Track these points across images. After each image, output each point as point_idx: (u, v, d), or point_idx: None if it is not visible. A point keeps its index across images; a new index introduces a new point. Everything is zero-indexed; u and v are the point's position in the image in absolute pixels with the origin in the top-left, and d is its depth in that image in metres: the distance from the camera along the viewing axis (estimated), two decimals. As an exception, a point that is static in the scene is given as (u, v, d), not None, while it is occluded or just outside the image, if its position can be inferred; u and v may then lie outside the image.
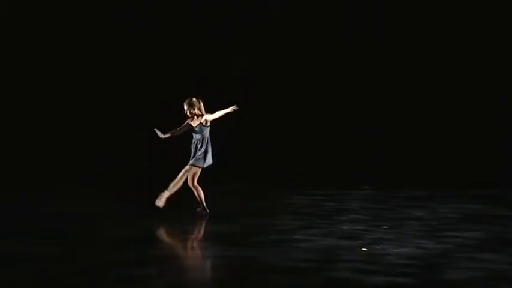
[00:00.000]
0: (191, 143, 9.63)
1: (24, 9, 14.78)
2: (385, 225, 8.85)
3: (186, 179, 9.58)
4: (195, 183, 9.65)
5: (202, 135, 9.55)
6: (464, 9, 15.08)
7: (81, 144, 14.89)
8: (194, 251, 7.65)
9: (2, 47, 14.76)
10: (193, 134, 9.62)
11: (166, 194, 9.52)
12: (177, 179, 9.51)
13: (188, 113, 9.56)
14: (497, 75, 15.27)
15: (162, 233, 8.65)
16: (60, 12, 14.95)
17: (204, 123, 9.55)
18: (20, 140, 14.62)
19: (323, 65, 15.49)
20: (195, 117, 9.58)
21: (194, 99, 9.59)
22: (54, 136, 14.86)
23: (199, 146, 9.54)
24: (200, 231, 8.94)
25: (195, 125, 9.56)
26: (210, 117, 9.52)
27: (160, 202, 9.51)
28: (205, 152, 9.54)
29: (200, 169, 9.60)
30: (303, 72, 15.54)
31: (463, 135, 15.02)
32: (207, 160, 9.56)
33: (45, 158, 14.62)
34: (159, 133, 9.62)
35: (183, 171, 9.54)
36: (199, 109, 9.56)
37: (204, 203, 9.76)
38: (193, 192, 9.69)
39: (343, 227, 8.79)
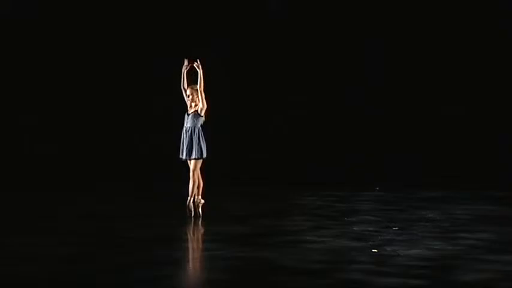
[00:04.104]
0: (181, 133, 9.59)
1: (24, 9, 14.80)
2: (395, 227, 8.83)
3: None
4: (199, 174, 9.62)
5: (194, 124, 9.49)
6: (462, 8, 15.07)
7: (93, 145, 14.91)
8: (208, 252, 7.64)
9: (27, 47, 14.82)
10: (185, 122, 9.56)
11: (198, 198, 9.58)
12: (192, 183, 9.50)
13: (189, 98, 9.55)
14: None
15: (177, 235, 8.65)
16: (63, 12, 14.98)
17: (198, 112, 9.52)
18: (37, 139, 14.66)
19: (323, 65, 15.43)
20: (193, 104, 9.58)
21: (198, 86, 9.63)
22: (72, 135, 14.91)
23: (188, 136, 9.46)
24: (213, 232, 8.94)
25: (190, 112, 9.56)
26: (202, 103, 9.49)
27: (200, 203, 9.60)
28: (204, 143, 9.51)
29: (201, 160, 9.54)
30: (303, 72, 15.50)
31: (475, 136, 14.94)
32: (202, 151, 9.46)
33: (60, 158, 14.65)
34: (185, 64, 9.64)
35: (192, 172, 9.52)
36: (199, 99, 9.57)
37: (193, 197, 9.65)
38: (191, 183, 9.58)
39: (354, 228, 8.77)
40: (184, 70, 9.70)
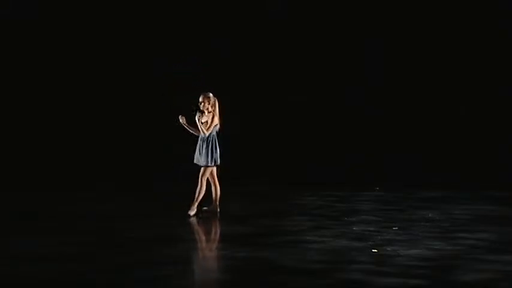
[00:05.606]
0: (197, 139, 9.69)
1: (24, 9, 14.81)
2: (395, 227, 8.83)
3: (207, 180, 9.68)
4: (215, 180, 9.76)
5: (209, 132, 9.58)
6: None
7: (93, 145, 14.92)
8: (209, 252, 7.65)
9: (27, 47, 14.84)
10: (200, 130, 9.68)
11: (196, 203, 9.62)
12: (199, 187, 9.56)
13: (201, 106, 9.60)
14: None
15: (177, 234, 8.65)
16: (63, 12, 14.98)
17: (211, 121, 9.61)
18: (36, 140, 14.67)
19: (323, 65, 15.44)
20: (206, 112, 9.61)
21: (211, 94, 9.65)
22: (72, 135, 14.92)
23: (204, 144, 9.56)
24: (214, 232, 8.94)
25: (203, 121, 9.60)
26: (215, 120, 9.56)
27: (192, 212, 9.60)
28: (212, 151, 9.55)
29: (215, 167, 9.66)
30: (303, 72, 15.50)
31: (475, 135, 14.95)
32: (214, 158, 9.57)
33: (60, 158, 14.66)
34: (181, 120, 9.64)
35: (200, 177, 9.57)
36: (213, 106, 9.59)
37: (217, 202, 9.81)
38: (211, 189, 9.76)
39: (354, 228, 8.77)
40: (184, 123, 9.66)
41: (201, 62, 14.73)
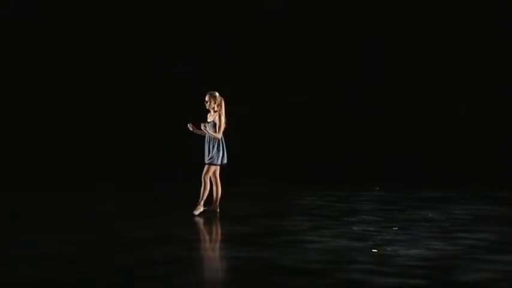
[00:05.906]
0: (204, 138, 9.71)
1: (24, 9, 14.81)
2: (395, 227, 8.83)
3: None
4: (217, 180, 9.79)
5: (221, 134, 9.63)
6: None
7: (93, 145, 14.92)
8: (209, 252, 7.65)
9: (27, 47, 14.84)
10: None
11: (201, 202, 9.67)
12: (203, 186, 9.61)
13: (207, 105, 9.62)
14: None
15: (178, 234, 8.65)
16: (63, 12, 14.98)
17: (215, 121, 9.63)
18: (36, 139, 14.67)
19: (323, 65, 15.44)
20: (212, 111, 9.63)
21: (217, 93, 9.67)
22: (71, 135, 14.92)
23: (211, 143, 9.59)
24: (214, 232, 8.94)
25: (209, 120, 9.62)
26: (222, 120, 9.58)
27: (197, 211, 9.65)
28: (219, 150, 9.59)
29: (218, 166, 9.67)
30: (303, 72, 15.50)
31: (476, 135, 14.94)
32: (221, 158, 9.62)
33: (60, 158, 14.66)
34: (190, 127, 9.66)
35: (203, 175, 9.60)
36: (219, 105, 9.62)
37: (218, 202, 9.82)
38: (212, 189, 9.79)
39: (354, 228, 8.77)
40: (193, 129, 9.70)
41: (201, 62, 14.74)
